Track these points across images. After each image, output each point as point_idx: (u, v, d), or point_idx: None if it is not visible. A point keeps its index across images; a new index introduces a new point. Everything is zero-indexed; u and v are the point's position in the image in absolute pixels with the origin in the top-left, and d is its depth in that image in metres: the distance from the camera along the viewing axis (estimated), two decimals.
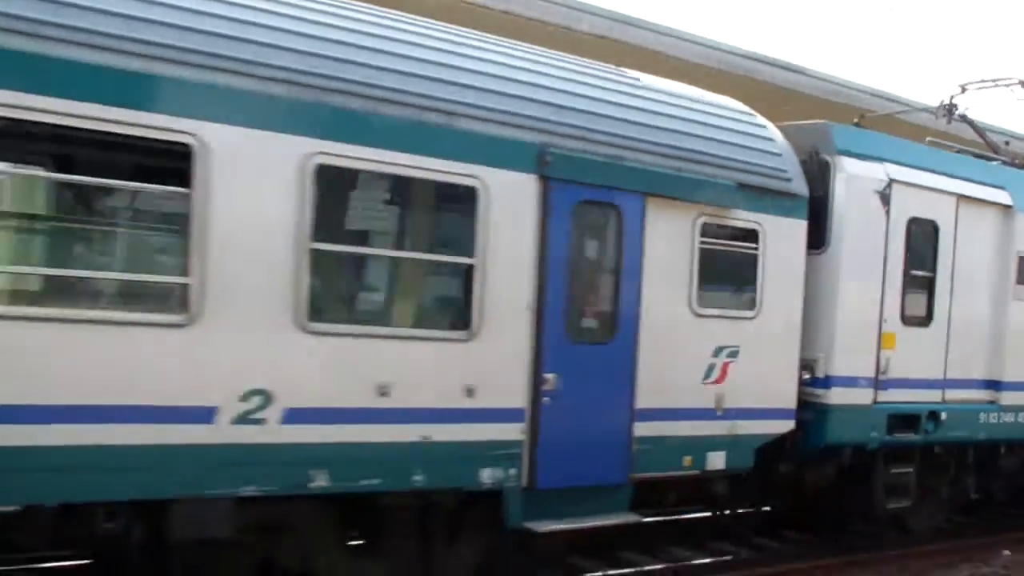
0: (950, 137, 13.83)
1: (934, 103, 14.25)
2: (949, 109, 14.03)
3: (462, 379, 7.10)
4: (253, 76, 6.10)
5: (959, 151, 12.06)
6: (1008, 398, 11.18)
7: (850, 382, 9.74)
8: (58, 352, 5.51)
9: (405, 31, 7.13)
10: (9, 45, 5.28)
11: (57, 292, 5.91)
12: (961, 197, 10.68)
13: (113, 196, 6.24)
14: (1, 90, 5.25)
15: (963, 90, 13.95)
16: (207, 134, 5.92)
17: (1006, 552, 11.03)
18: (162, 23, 5.83)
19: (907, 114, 16.85)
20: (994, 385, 11.14)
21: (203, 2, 6.08)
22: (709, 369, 8.65)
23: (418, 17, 7.47)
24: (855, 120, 12.39)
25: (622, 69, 8.92)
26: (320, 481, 6.52)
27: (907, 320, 10.21)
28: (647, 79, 8.92)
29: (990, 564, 10.59)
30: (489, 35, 7.84)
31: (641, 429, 8.15)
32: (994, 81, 13.57)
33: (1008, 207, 11.17)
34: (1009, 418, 11.25)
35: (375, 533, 7.25)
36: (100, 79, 5.54)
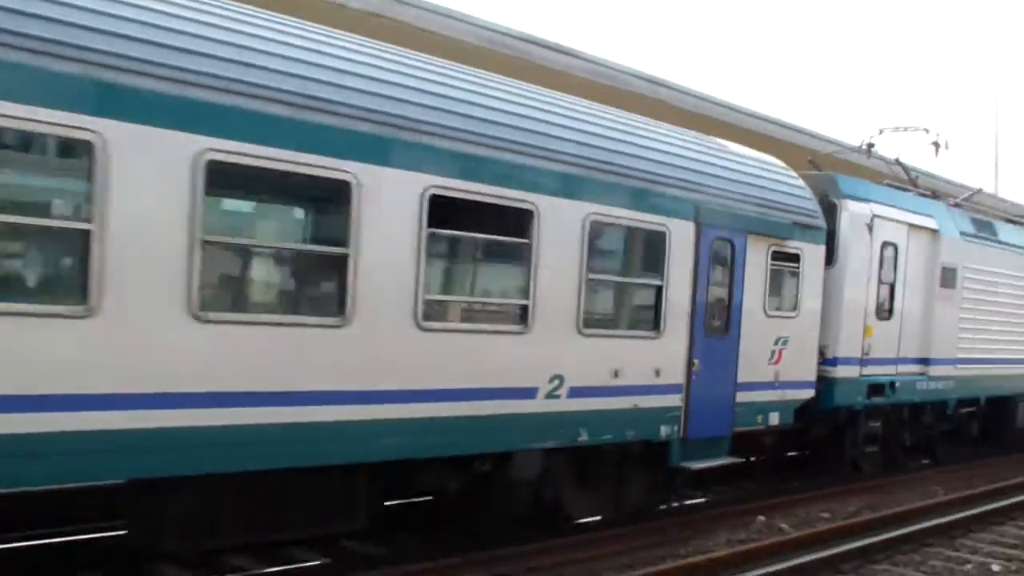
0: (869, 171, 18.04)
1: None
2: (868, 147, 18.25)
3: (653, 364, 10.26)
4: (565, 163, 9.03)
5: (886, 184, 16.13)
6: (934, 371, 15.39)
7: (847, 361, 13.54)
8: (465, 351, 8.33)
9: (624, 123, 10.21)
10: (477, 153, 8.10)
11: (469, 313, 8.67)
12: (910, 225, 14.72)
13: (496, 246, 9.00)
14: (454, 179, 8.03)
15: (880, 132, 18.18)
16: (539, 202, 8.81)
17: (760, 518, 11.64)
18: (518, 128, 8.74)
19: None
20: (924, 361, 15.30)
21: (555, 118, 9.02)
22: (772, 353, 12.14)
23: (620, 111, 10.55)
24: (808, 159, 16.33)
25: (714, 138, 12.26)
26: (583, 437, 9.55)
27: (879, 315, 14.13)
28: (733, 146, 12.31)
29: (747, 529, 11.24)
30: (660, 122, 11.01)
31: (739, 397, 11.56)
32: (905, 128, 17.83)
33: (935, 231, 15.33)
34: (934, 385, 15.47)
35: (591, 473, 10.28)
36: (501, 170, 8.38)
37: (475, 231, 8.71)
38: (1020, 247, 18.08)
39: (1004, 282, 17.28)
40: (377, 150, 7.52)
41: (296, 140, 6.98)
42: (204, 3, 7.06)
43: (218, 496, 7.31)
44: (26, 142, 6.31)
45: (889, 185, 15.59)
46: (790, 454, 15.36)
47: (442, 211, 8.15)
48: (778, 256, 12.06)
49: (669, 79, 17.55)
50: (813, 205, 12.78)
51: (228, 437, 6.85)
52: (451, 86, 8.36)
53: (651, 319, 10.29)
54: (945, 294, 15.59)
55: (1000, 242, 17.38)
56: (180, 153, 6.42)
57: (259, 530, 7.65)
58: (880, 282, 14.12)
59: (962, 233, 16.14)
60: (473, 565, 8.77)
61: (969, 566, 10.19)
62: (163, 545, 7.27)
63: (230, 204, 8.33)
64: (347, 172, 7.34)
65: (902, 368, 14.75)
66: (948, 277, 15.61)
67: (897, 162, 17.57)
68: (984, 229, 17.10)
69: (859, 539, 10.61)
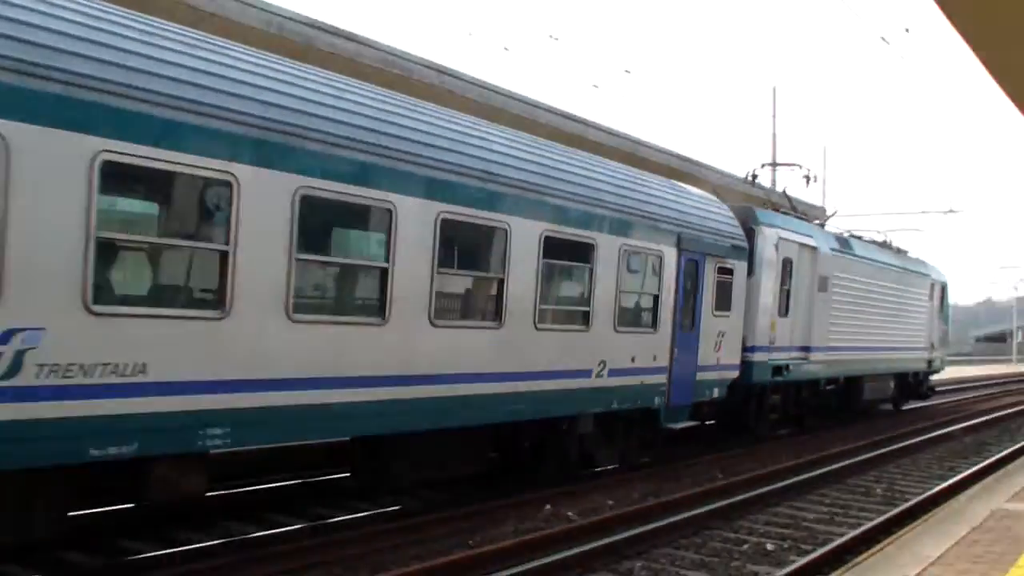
0: (751, 198, 22.65)
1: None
2: (752, 178, 22.88)
3: (652, 352, 14.12)
4: (613, 210, 12.73)
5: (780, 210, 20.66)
6: (813, 356, 20.04)
7: (761, 349, 17.88)
8: (558, 342, 11.91)
9: (637, 177, 13.98)
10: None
11: (560, 316, 12.22)
12: (800, 244, 19.26)
13: (575, 269, 12.54)
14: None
15: (762, 166, 22.83)
16: (598, 239, 12.47)
17: (547, 507, 11.94)
18: (592, 187, 12.35)
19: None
20: (807, 349, 19.92)
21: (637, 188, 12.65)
22: (716, 344, 16.26)
23: (635, 169, 14.33)
24: (712, 189, 20.68)
25: (677, 182, 16.25)
26: (615, 404, 13.30)
27: (780, 313, 18.57)
28: (691, 189, 16.35)
29: (534, 518, 11.37)
30: (648, 172, 14.84)
31: (699, 376, 15.61)
32: (787, 165, 22.57)
33: (815, 248, 19.96)
34: (813, 367, 20.14)
35: (612, 433, 14.02)
36: (578, 216, 12.00)
37: (565, 260, 12.27)
38: (867, 258, 23.17)
39: (858, 286, 22.25)
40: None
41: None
42: None
43: (414, 447, 10.58)
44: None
45: (784, 213, 20.13)
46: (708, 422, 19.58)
47: (552, 249, 11.64)
48: (721, 271, 16.17)
49: (457, 69, 17.61)
50: (740, 232, 16.99)
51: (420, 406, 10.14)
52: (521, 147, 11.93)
53: (651, 319, 14.15)
54: (821, 297, 20.28)
55: (855, 255, 22.36)
56: None
57: (438, 470, 10.98)
58: (781, 287, 18.57)
59: (831, 249, 20.92)
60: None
61: (746, 546, 10.78)
62: (380, 484, 10.50)
63: None
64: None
65: (793, 354, 19.29)
66: (823, 283, 20.31)
67: (784, 194, 22.26)
68: (844, 245, 22.02)
69: (643, 525, 10.93)
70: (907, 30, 10.25)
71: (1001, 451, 19.21)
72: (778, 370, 18.60)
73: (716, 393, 16.50)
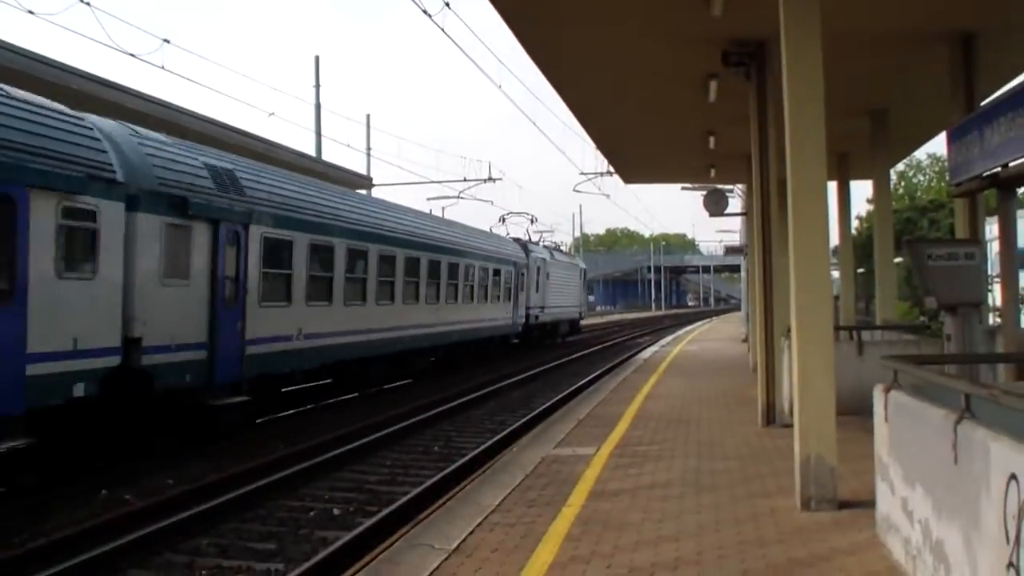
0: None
1: None
2: (503, 219, 43.20)
3: (509, 312, 33.93)
4: (503, 255, 32.38)
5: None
6: (546, 311, 40.66)
7: (533, 308, 38.16)
8: (489, 306, 31.46)
9: (487, 236, 33.73)
10: None
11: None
12: (542, 258, 39.72)
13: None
14: None
15: (508, 213, 43.07)
16: (502, 269, 32.03)
17: (104, 492, 11.40)
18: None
19: None
20: (542, 308, 40.51)
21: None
22: (515, 306, 36.30)
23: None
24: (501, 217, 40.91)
25: (500, 235, 36.24)
26: (501, 333, 33.00)
27: (535, 290, 38.97)
28: (506, 238, 36.45)
29: (90, 506, 10.75)
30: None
31: (515, 320, 35.64)
32: (519, 212, 42.96)
33: (545, 259, 40.57)
34: (547, 317, 40.75)
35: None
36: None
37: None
38: (558, 260, 44.32)
39: (556, 275, 43.13)
40: None
41: None
42: None
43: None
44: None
45: (539, 243, 40.63)
46: None
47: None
48: (519, 275, 36.03)
49: None
50: (523, 254, 37.10)
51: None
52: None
53: (508, 297, 33.83)
54: (546, 282, 40.89)
55: (555, 259, 43.35)
56: None
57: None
58: (536, 278, 38.87)
59: (549, 258, 41.72)
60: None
61: (312, 513, 10.63)
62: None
63: None
64: None
65: (558, 309, 39.76)
66: (548, 276, 40.97)
67: (527, 231, 42.79)
68: (552, 255, 42.94)
69: (207, 502, 10.55)
70: (447, 4, 17.26)
71: (545, 403, 19.63)
72: (536, 317, 39.00)
73: (520, 328, 36.57)
